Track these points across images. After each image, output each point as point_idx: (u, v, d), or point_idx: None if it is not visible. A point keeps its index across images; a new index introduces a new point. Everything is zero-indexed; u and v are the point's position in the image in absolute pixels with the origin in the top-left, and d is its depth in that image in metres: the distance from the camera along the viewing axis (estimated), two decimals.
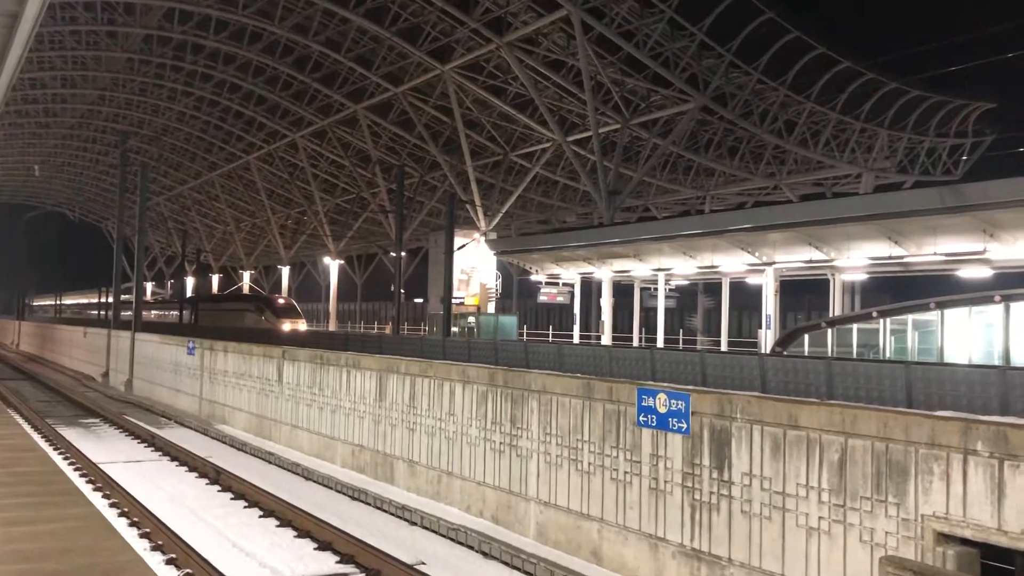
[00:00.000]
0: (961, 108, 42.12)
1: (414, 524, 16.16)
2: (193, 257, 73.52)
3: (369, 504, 17.76)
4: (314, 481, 20.15)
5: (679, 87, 35.40)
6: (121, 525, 14.76)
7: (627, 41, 33.78)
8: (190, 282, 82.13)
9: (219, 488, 18.72)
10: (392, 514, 16.93)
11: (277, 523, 15.69)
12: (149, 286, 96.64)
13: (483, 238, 42.52)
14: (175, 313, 59.59)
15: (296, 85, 48.23)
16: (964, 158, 45.04)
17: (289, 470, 21.51)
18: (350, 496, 18.50)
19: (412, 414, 18.98)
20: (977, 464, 8.80)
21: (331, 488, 19.33)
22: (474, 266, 42.40)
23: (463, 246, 40.14)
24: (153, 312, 67.47)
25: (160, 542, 13.69)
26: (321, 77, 45.87)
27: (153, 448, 23.97)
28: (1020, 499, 8.40)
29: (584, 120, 39.25)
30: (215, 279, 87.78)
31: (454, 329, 35.43)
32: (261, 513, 16.42)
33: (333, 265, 61.80)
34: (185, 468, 21.10)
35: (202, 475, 20.06)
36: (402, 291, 39.45)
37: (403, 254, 39.70)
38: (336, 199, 62.18)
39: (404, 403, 19.32)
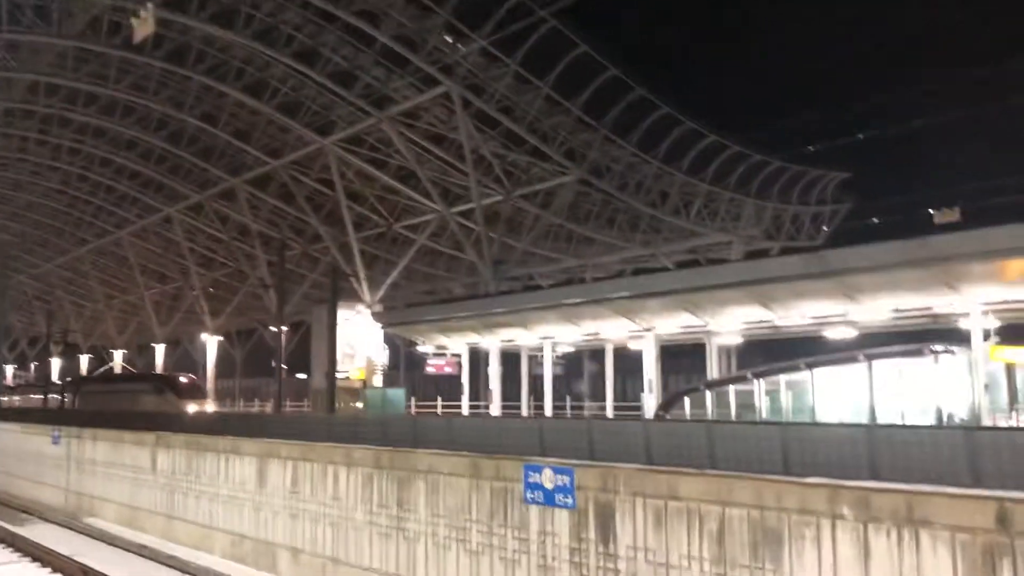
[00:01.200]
0: (820, 178, 44.99)
1: None
2: (59, 337, 69.73)
3: None
4: (190, 574, 19.12)
5: (558, 160, 36.45)
6: None
7: (506, 116, 34.68)
8: (56, 363, 77.63)
9: None
10: None
11: None
12: (10, 369, 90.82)
13: (368, 310, 42.08)
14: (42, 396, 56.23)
15: (171, 159, 47.08)
16: (824, 227, 47.90)
17: (165, 564, 20.33)
18: None
19: (295, 500, 18.36)
20: (844, 528, 9.18)
21: None
22: (359, 339, 41.79)
23: (347, 319, 39.58)
24: (15, 398, 63.45)
25: None
26: (197, 151, 44.98)
27: (12, 549, 22.26)
28: (884, 562, 8.79)
29: (467, 191, 39.78)
30: (84, 359, 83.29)
31: (339, 405, 34.68)
32: None
33: (211, 341, 59.66)
34: (49, 570, 19.67)
35: None
36: (284, 367, 38.44)
37: (284, 329, 38.81)
38: (214, 273, 60.44)
39: (286, 488, 18.68)
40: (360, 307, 41.94)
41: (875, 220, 39.80)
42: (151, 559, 20.92)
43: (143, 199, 53.16)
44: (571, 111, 34.66)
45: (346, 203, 41.77)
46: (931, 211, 28.69)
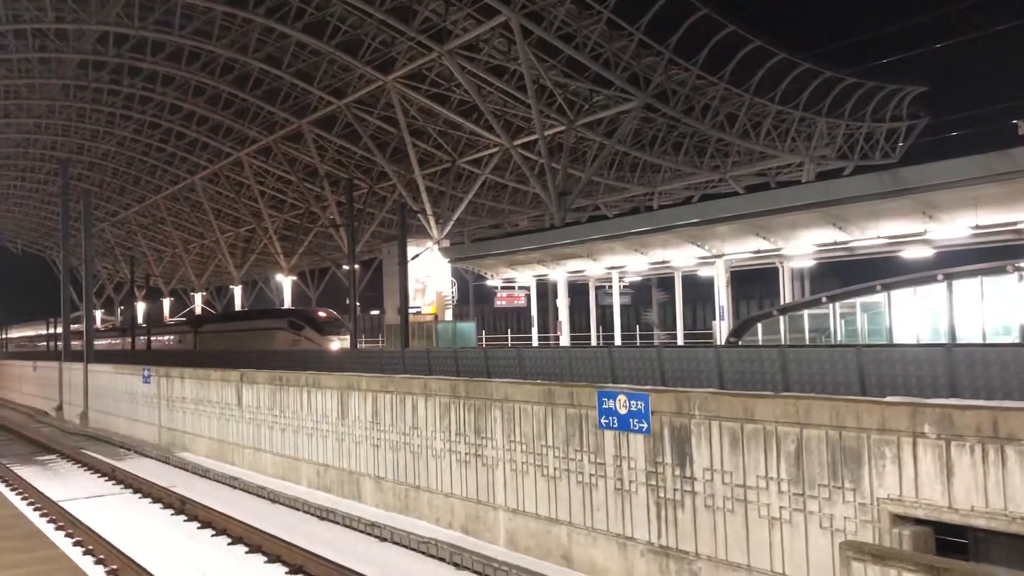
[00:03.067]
0: (895, 93, 43.25)
1: (384, 540, 16.16)
2: (142, 282, 72.26)
3: (338, 523, 17.70)
4: (280, 503, 20.01)
5: (621, 86, 35.82)
6: (87, 564, 14.54)
7: (567, 44, 34.10)
8: (141, 308, 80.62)
9: (185, 518, 18.51)
10: (361, 531, 16.90)
11: (246, 549, 15.58)
12: (99, 314, 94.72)
13: (436, 246, 42.54)
14: (140, 339, 56.95)
15: (238, 103, 47.76)
16: (900, 144, 46.22)
17: (255, 494, 21.31)
18: (318, 516, 18.42)
19: (376, 430, 18.96)
20: (926, 446, 9.12)
21: (298, 509, 19.22)
22: (429, 274, 42.38)
23: (417, 255, 40.10)
24: (108, 340, 65.66)
25: None
26: (263, 94, 45.51)
27: (114, 481, 23.57)
28: (967, 478, 8.74)
29: (530, 123, 39.51)
30: (166, 303, 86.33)
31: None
32: (230, 540, 16.28)
33: (286, 281, 61.24)
34: (149, 500, 20.80)
35: (167, 506, 19.81)
36: (358, 303, 39.26)
37: (356, 267, 39.51)
38: (285, 215, 61.69)
39: (367, 420, 19.29)
40: (429, 243, 42.43)
41: (954, 134, 38.20)
42: (242, 489, 21.94)
43: (213, 144, 54.23)
44: (633, 35, 33.89)
45: (410, 140, 41.96)
46: (1014, 122, 27.41)
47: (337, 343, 37.70)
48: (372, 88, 40.78)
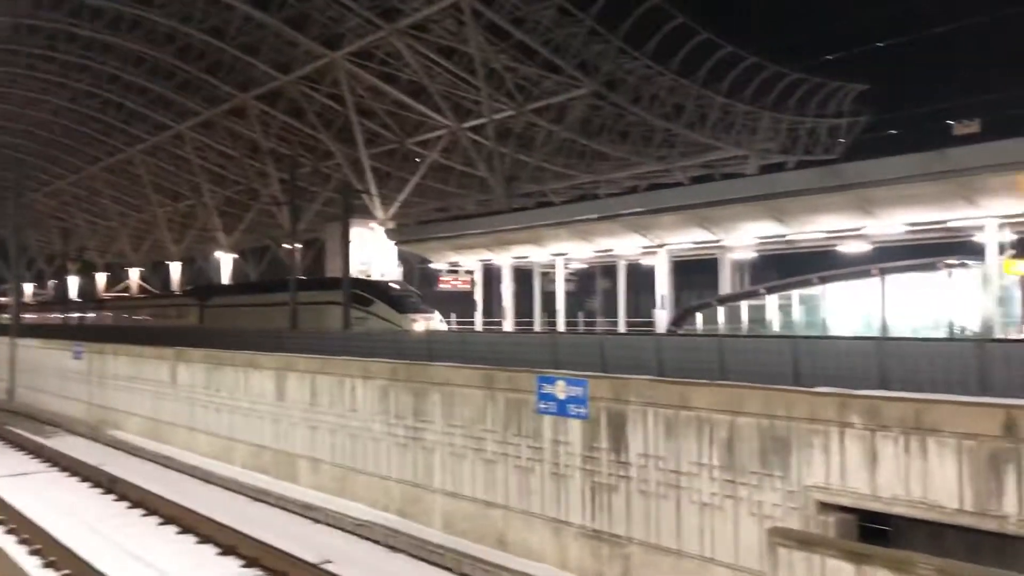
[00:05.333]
0: (837, 90, 44.09)
1: (319, 522, 16.06)
2: (76, 255, 70.24)
3: (272, 504, 17.53)
4: (214, 484, 19.74)
5: (570, 73, 35.83)
6: (10, 544, 14.15)
7: (518, 28, 33.99)
8: (73, 281, 78.31)
9: (115, 497, 18.13)
10: (296, 513, 16.77)
11: (178, 530, 15.33)
12: (29, 287, 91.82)
13: (381, 227, 42.14)
14: (105, 314, 51.43)
15: (180, 75, 46.51)
16: (841, 140, 47.20)
17: (188, 474, 20.99)
18: (252, 497, 18.22)
19: (313, 412, 18.78)
20: (853, 436, 9.36)
21: (232, 490, 18.98)
22: (373, 256, 41.97)
23: (360, 237, 39.65)
24: (52, 315, 62.52)
25: (53, 559, 13.17)
26: (206, 66, 44.40)
27: (41, 459, 22.96)
28: (891, 467, 8.99)
29: (479, 106, 39.29)
30: (101, 277, 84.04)
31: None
32: (161, 520, 16.01)
33: (226, 259, 60.00)
34: (77, 479, 20.32)
35: (96, 485, 19.37)
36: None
37: (298, 246, 38.97)
38: (226, 191, 60.40)
39: (305, 402, 19.09)
40: (373, 224, 41.98)
41: (892, 132, 39.14)
42: (175, 469, 21.58)
43: (153, 116, 52.76)
44: (584, 22, 33.91)
45: (357, 119, 41.39)
46: (950, 123, 28.13)
47: (422, 323, 28.94)
48: (319, 64, 40.09)
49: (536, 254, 35.87)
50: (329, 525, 15.76)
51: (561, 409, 12.97)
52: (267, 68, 42.01)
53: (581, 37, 34.76)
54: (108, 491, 18.66)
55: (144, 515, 16.52)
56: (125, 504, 17.48)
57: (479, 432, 14.45)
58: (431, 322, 29.87)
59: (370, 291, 32.05)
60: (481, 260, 38.74)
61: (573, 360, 15.10)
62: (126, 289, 73.52)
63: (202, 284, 51.36)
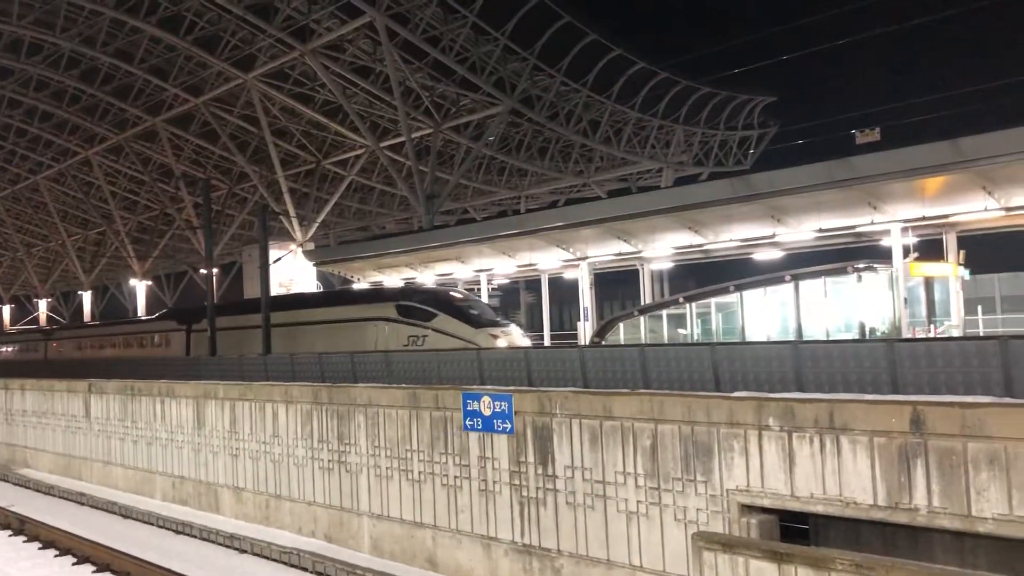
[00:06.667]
0: (746, 103, 45.45)
1: (244, 552, 15.62)
2: None
3: (195, 536, 16.98)
4: (133, 519, 19.02)
5: (487, 91, 36.06)
6: None
7: (433, 46, 34.05)
8: None
9: (25, 538, 17.30)
10: (220, 544, 16.28)
11: (94, 568, 14.72)
12: None
13: (300, 249, 41.53)
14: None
15: (86, 99, 45.07)
16: (752, 151, 48.65)
17: (104, 510, 20.18)
18: (174, 530, 17.61)
19: (234, 440, 18.32)
20: (771, 438, 9.59)
21: (152, 524, 18.32)
22: (292, 278, 41.28)
23: (279, 259, 38.95)
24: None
25: None
26: (113, 90, 43.15)
27: None
28: (807, 467, 9.24)
29: (396, 125, 39.19)
30: (6, 309, 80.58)
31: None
32: (75, 560, 15.34)
33: (140, 286, 58.25)
34: None
35: (4, 527, 18.46)
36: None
37: (215, 270, 38.04)
38: (138, 217, 58.73)
39: (225, 429, 18.61)
40: (292, 246, 41.34)
41: (800, 142, 40.53)
42: (91, 506, 20.73)
43: (58, 141, 50.96)
44: (499, 40, 34.20)
45: (272, 140, 40.83)
46: (853, 132, 29.32)
47: (504, 339, 22.89)
48: (231, 86, 39.41)
49: (460, 271, 35.88)
50: (255, 555, 15.34)
51: (487, 425, 12.95)
52: (178, 91, 41.09)
53: (497, 55, 35.05)
54: (18, 532, 17.81)
55: (57, 555, 15.81)
56: (37, 545, 16.72)
57: (405, 452, 14.31)
58: (511, 337, 23.65)
59: (429, 302, 25.18)
60: (404, 279, 38.54)
61: (499, 375, 15.11)
62: (35, 321, 70.18)
63: (186, 305, 41.27)
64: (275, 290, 34.80)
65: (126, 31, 37.56)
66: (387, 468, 14.64)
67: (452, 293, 27.10)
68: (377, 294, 29.60)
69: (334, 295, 30.75)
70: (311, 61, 35.17)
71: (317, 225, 43.71)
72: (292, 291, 39.11)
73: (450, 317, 24.11)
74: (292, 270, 41.12)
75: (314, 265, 41.20)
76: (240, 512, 18.10)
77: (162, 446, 20.83)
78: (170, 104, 42.97)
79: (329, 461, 15.86)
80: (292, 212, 41.67)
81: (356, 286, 39.39)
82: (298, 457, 16.59)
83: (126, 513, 19.44)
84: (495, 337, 22.95)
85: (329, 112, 40.61)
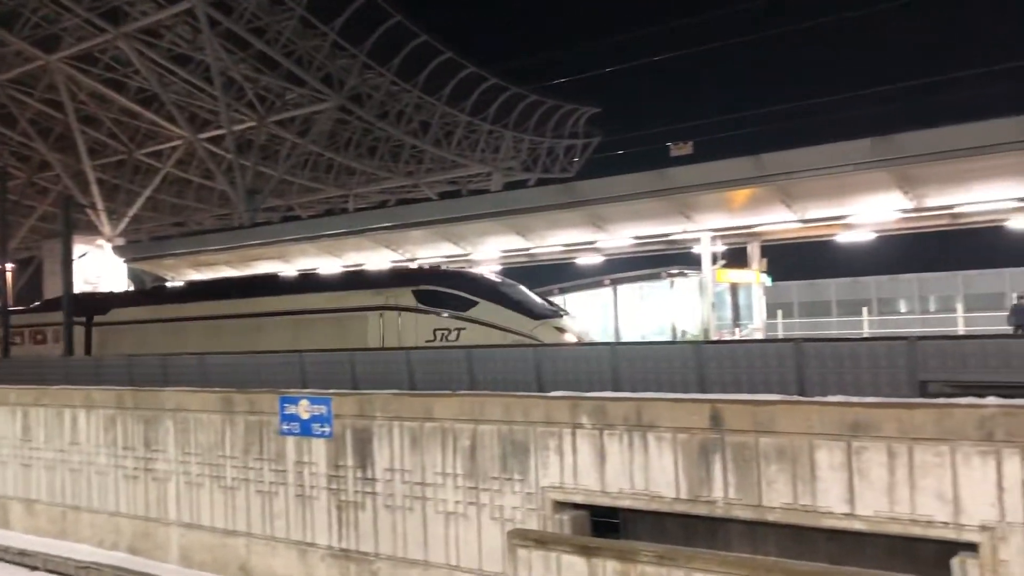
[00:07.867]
0: (572, 112, 46.89)
1: (37, 569, 14.47)
2: None
3: None
4: None
5: (315, 86, 35.26)
6: None
7: (258, 37, 32.95)
8: None
9: None
10: (11, 562, 14.99)
11: None
12: None
13: (109, 244, 38.96)
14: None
15: None
16: (576, 159, 50.27)
17: None
18: None
19: (27, 448, 16.92)
20: (584, 436, 9.90)
21: None
22: (100, 275, 38.65)
23: (84, 254, 36.40)
24: None
25: None
26: None
27: None
28: (617, 463, 9.61)
29: (217, 117, 37.55)
30: None
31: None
32: None
33: None
34: None
35: None
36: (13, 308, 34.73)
37: (10, 266, 35.07)
38: None
39: (16, 437, 17.15)
40: (100, 241, 38.74)
41: (621, 152, 42.27)
42: None
43: None
44: (328, 35, 33.55)
45: (78, 127, 38.08)
46: (668, 144, 30.87)
47: (570, 334, 18.44)
48: (31, 67, 36.42)
49: (283, 271, 34.80)
50: (49, 571, 14.25)
51: (305, 429, 12.62)
52: None
53: (325, 50, 34.35)
54: None
55: None
56: None
57: (217, 459, 13.71)
58: (579, 331, 19.17)
59: (465, 286, 19.67)
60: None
61: (323, 378, 14.73)
62: None
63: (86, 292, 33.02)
64: (80, 288, 32.34)
65: None
66: (198, 475, 13.97)
67: (493, 279, 21.55)
68: (382, 277, 23.58)
69: (323, 280, 24.79)
70: (124, 45, 33.10)
71: (128, 219, 41.16)
72: (98, 290, 36.48)
73: (497, 305, 19.09)
74: (100, 267, 38.54)
75: (125, 262, 38.76)
76: (32, 526, 16.73)
77: None
78: None
79: (135, 469, 14.95)
80: (100, 205, 39.03)
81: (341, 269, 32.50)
82: (100, 465, 15.54)
83: None
84: (561, 331, 18.41)
85: (144, 100, 38.37)
